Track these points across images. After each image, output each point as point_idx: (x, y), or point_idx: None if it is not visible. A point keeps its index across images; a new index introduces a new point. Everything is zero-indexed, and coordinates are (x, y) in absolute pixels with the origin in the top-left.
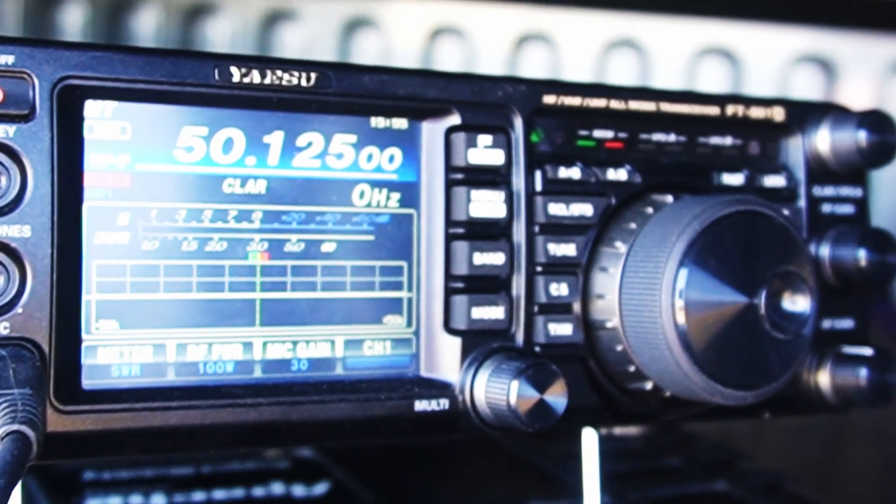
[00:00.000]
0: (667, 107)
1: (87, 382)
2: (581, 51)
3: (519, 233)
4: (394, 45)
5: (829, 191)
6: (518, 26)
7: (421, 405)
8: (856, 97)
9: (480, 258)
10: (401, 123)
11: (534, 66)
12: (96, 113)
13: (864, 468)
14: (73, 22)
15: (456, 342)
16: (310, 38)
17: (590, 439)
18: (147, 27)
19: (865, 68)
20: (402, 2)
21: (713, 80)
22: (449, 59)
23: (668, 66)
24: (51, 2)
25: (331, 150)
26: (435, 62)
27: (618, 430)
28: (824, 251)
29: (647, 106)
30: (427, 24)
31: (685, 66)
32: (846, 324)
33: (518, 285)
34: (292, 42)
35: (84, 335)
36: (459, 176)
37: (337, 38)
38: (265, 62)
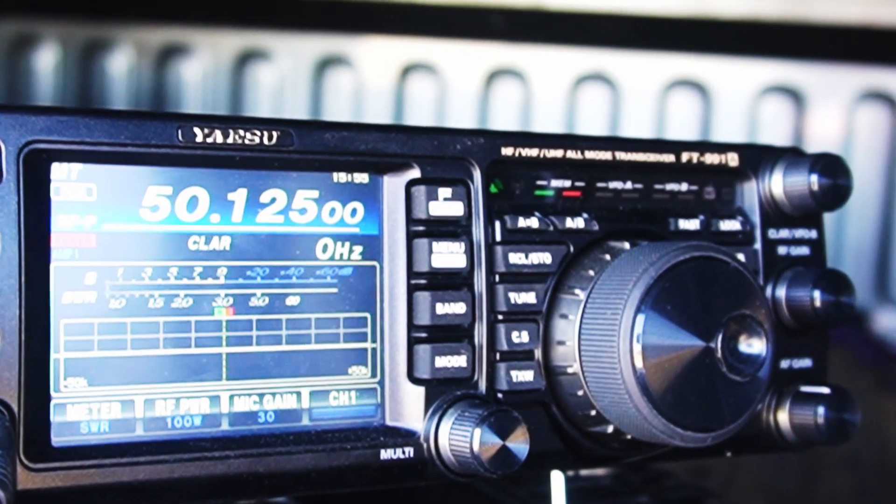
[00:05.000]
0: (623, 155)
1: (57, 440)
2: (552, 85)
3: (480, 282)
4: (366, 81)
5: (784, 233)
6: (489, 62)
7: (386, 454)
8: (825, 127)
9: (443, 308)
10: (362, 178)
11: (505, 101)
12: (62, 175)
13: (838, 500)
14: (45, 64)
15: (420, 391)
16: (283, 76)
17: (557, 480)
18: (119, 68)
19: (834, 98)
20: (374, 39)
21: (683, 112)
22: (421, 95)
23: (639, 99)
24: (23, 44)
25: (294, 206)
26: (407, 98)
27: (586, 470)
28: (781, 293)
29: (604, 155)
30: (399, 60)
31: (655, 99)
32: (804, 363)
33: (480, 334)
34: (266, 81)
35: (53, 393)
36: (420, 228)
37: (310, 76)
38: (227, 122)
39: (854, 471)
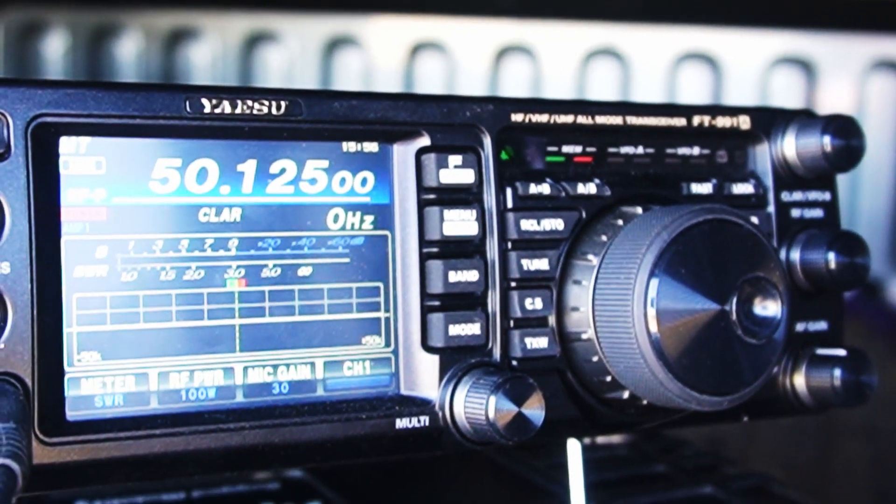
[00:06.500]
0: (634, 120)
1: (71, 414)
2: (562, 61)
3: (492, 249)
4: (375, 61)
5: (797, 196)
6: (498, 39)
7: (402, 423)
8: (836, 97)
9: (455, 276)
10: (372, 147)
11: (515, 78)
12: (71, 149)
13: (855, 467)
14: (53, 50)
15: (434, 359)
16: (292, 58)
17: (574, 449)
18: (128, 53)
19: (845, 68)
20: (382, 19)
21: (694, 84)
22: (430, 74)
23: (649, 73)
24: (31, 30)
25: (304, 176)
26: (416, 77)
27: (603, 439)
28: (795, 255)
29: (615, 120)
30: (408, 40)
31: (666, 73)
32: (820, 326)
33: (493, 301)
34: (274, 63)
35: (67, 367)
36: (431, 196)
37: (319, 57)
38: (235, 92)
39: (870, 439)
